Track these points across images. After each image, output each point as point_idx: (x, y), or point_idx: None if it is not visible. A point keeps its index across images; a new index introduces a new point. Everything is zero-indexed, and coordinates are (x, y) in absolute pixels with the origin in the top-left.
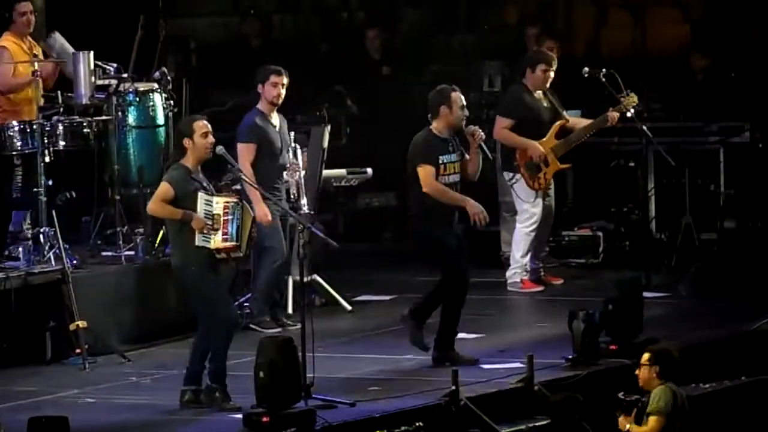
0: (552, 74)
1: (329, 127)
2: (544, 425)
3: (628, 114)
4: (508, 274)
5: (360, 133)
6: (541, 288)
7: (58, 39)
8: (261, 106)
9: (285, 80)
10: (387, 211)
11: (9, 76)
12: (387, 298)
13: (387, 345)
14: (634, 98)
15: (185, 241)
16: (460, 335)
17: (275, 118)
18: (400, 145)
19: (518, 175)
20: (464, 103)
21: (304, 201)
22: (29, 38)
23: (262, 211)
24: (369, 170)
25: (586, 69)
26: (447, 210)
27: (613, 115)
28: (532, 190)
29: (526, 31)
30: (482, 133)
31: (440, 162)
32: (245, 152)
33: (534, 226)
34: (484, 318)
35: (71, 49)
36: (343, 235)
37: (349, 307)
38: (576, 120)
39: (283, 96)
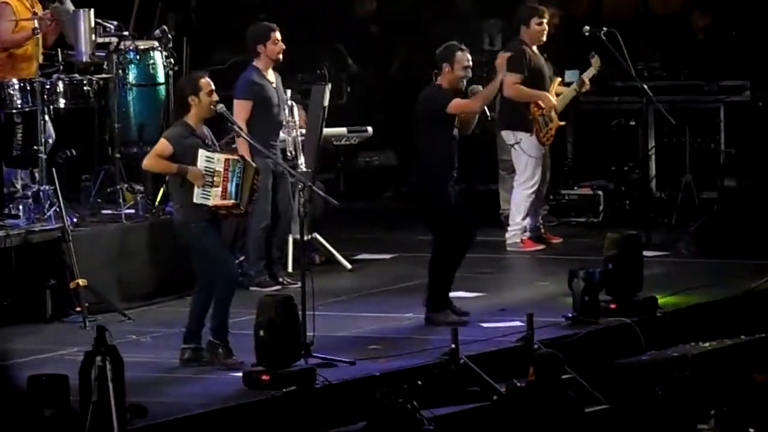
0: (546, 26)
1: (330, 86)
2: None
3: (596, 74)
4: (507, 235)
5: (360, 91)
6: (541, 247)
7: (68, 3)
8: (258, 63)
9: (280, 36)
10: (387, 170)
11: (10, 32)
12: (387, 256)
13: (387, 304)
14: (597, 60)
15: (186, 198)
16: (460, 294)
17: (272, 75)
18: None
19: (522, 134)
20: (469, 63)
21: (301, 159)
22: None
23: None
24: (369, 129)
25: (587, 28)
26: (449, 164)
27: (586, 81)
28: (541, 144)
29: None
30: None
31: None
32: (241, 109)
33: (534, 188)
34: (484, 277)
35: (71, 7)
36: (343, 193)
37: (348, 266)
38: (559, 88)
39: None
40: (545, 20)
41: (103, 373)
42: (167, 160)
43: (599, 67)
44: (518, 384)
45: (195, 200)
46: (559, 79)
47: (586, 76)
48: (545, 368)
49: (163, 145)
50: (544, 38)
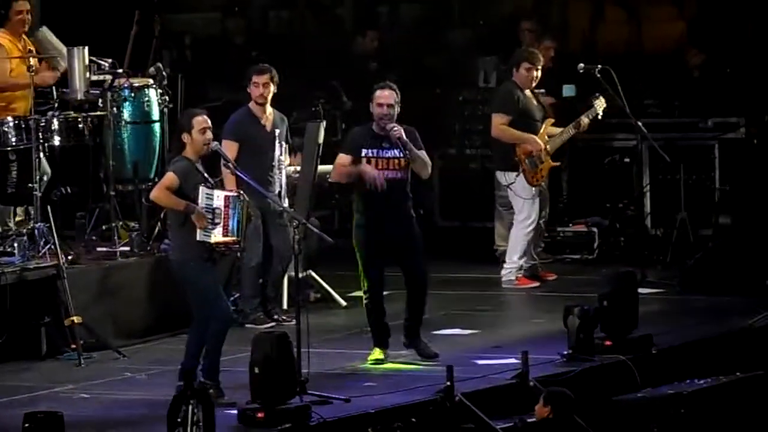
0: (537, 73)
1: (324, 123)
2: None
3: (599, 117)
4: (503, 273)
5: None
6: (536, 284)
7: (46, 33)
8: (251, 103)
9: (266, 78)
10: None
11: (6, 74)
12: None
13: None
14: (602, 102)
15: (186, 236)
16: (456, 330)
17: (267, 116)
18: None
19: (514, 174)
20: (536, 75)
21: (286, 200)
22: (24, 37)
23: None
24: None
25: (582, 65)
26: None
27: (585, 121)
28: (531, 186)
29: (521, 27)
30: (400, 132)
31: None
32: (227, 149)
33: (532, 227)
34: (479, 314)
35: (61, 46)
36: (338, 230)
37: (343, 303)
38: (551, 128)
39: (266, 94)
40: (537, 68)
41: (191, 418)
42: (176, 197)
43: (603, 109)
44: (528, 420)
45: (198, 238)
46: (552, 120)
47: (586, 117)
48: (561, 405)
49: (170, 178)
50: (533, 84)
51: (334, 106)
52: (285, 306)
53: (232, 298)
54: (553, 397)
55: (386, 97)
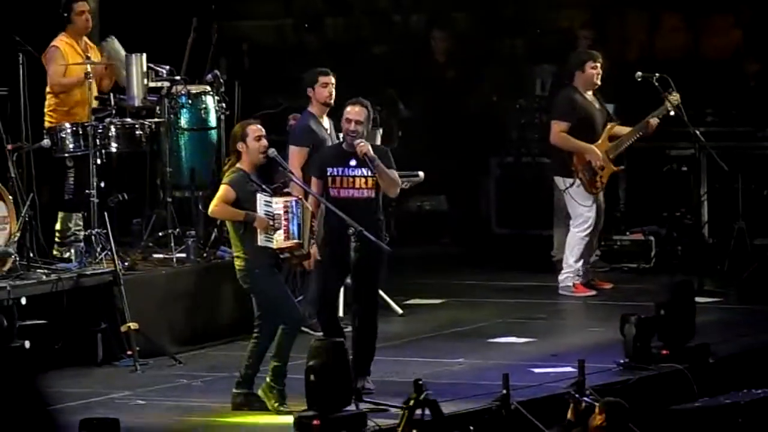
0: (600, 70)
1: (381, 130)
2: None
3: (671, 113)
4: (560, 278)
5: (412, 136)
6: (593, 292)
7: (115, 45)
8: (312, 108)
9: (333, 80)
10: (438, 215)
11: (60, 75)
12: (437, 301)
13: (437, 348)
14: (676, 96)
15: (248, 243)
16: (511, 339)
17: (326, 121)
18: (452, 149)
19: (573, 180)
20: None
21: None
22: (85, 39)
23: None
24: (421, 173)
25: (639, 73)
26: None
27: (653, 121)
28: (590, 194)
29: (578, 35)
30: (366, 147)
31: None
32: (297, 155)
33: (589, 231)
34: (536, 322)
35: (120, 48)
36: (394, 238)
37: (399, 311)
38: (619, 128)
39: (333, 96)
40: (599, 64)
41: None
42: (232, 207)
43: (677, 104)
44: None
45: (259, 243)
46: (614, 124)
47: (655, 117)
48: (616, 414)
49: (226, 191)
50: (599, 81)
51: (390, 113)
52: (341, 314)
53: (296, 299)
54: (608, 406)
55: (356, 113)
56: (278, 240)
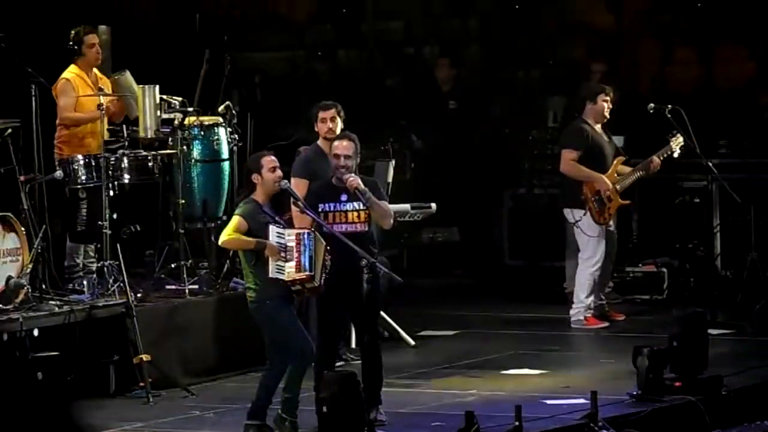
0: (609, 103)
1: (393, 162)
2: None
3: (675, 155)
4: (571, 312)
5: (424, 168)
6: (605, 324)
7: (128, 78)
8: (320, 141)
9: (332, 113)
10: (451, 246)
11: (71, 109)
12: (450, 333)
13: (450, 380)
14: (679, 139)
15: (260, 275)
16: (524, 371)
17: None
18: (464, 180)
19: (581, 212)
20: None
21: None
22: (95, 71)
23: None
24: (433, 205)
25: (652, 105)
26: None
27: (656, 161)
28: (598, 225)
29: (591, 68)
30: (357, 181)
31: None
32: (296, 187)
33: (597, 266)
34: (548, 354)
35: (133, 81)
36: (406, 269)
37: (412, 342)
38: (622, 166)
39: (335, 130)
40: (610, 98)
41: None
42: (245, 237)
43: (681, 147)
44: None
45: (270, 275)
46: (623, 158)
47: (658, 156)
48: None
49: (238, 221)
50: (608, 115)
51: (403, 145)
52: (353, 344)
53: None
54: None
55: (344, 147)
56: (289, 272)
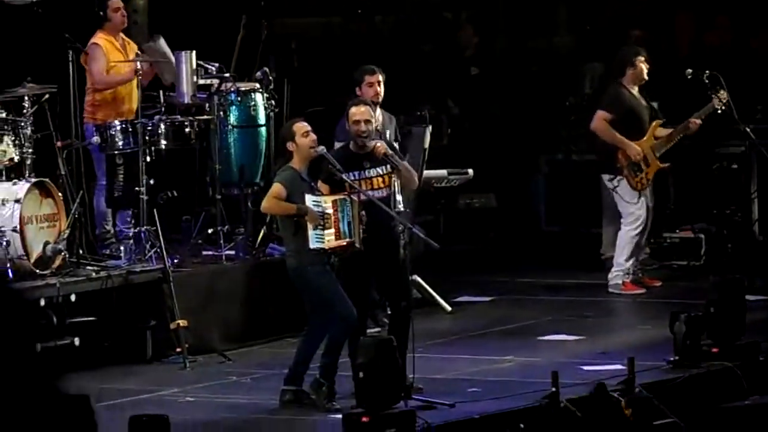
0: (646, 65)
1: (430, 128)
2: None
3: (719, 111)
4: (609, 276)
5: (461, 134)
6: (642, 290)
7: (161, 44)
8: None
9: (380, 77)
10: (487, 212)
11: (103, 72)
12: (486, 299)
13: (486, 346)
14: (724, 94)
15: (301, 243)
16: (561, 336)
17: (376, 117)
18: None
19: (619, 177)
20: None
21: (399, 198)
22: (122, 35)
23: None
24: (470, 171)
25: (689, 70)
26: None
27: (695, 122)
28: (635, 190)
29: (628, 33)
30: (384, 147)
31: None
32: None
33: (640, 228)
34: (585, 320)
35: (171, 56)
36: (443, 235)
37: (448, 308)
38: (661, 129)
39: (381, 93)
40: (647, 59)
41: None
42: (286, 202)
43: (724, 103)
44: None
45: (311, 245)
46: (660, 121)
47: (698, 117)
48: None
49: (278, 188)
50: (646, 76)
51: (439, 110)
52: (389, 310)
53: None
54: (635, 402)
55: (362, 113)
56: (329, 240)
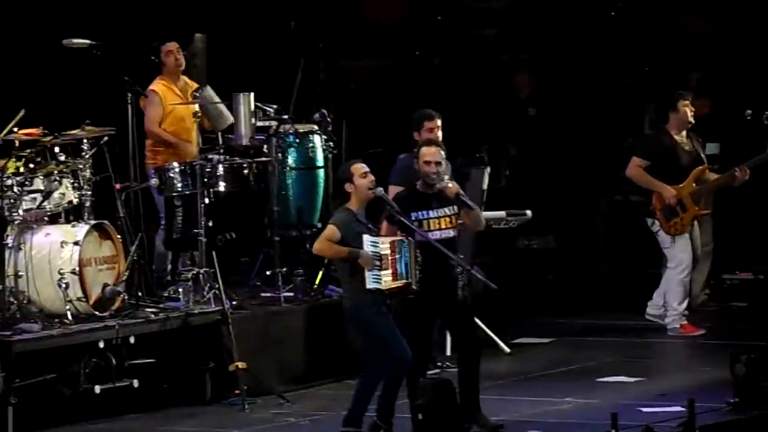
0: (691, 108)
1: (489, 169)
2: None
3: (759, 162)
4: (666, 320)
5: (520, 175)
6: (702, 331)
7: (209, 94)
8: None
9: (438, 122)
10: (546, 254)
11: (155, 123)
12: (545, 340)
13: (545, 388)
14: None
15: (357, 284)
16: (621, 378)
17: None
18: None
19: (656, 222)
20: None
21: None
22: (184, 78)
23: None
24: (528, 212)
25: (749, 111)
26: None
27: (743, 171)
28: (668, 234)
29: (688, 75)
30: (457, 187)
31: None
32: (394, 194)
33: (686, 272)
34: (644, 361)
35: (221, 106)
36: (501, 277)
37: (507, 350)
38: (709, 173)
39: (439, 138)
40: (690, 101)
41: None
42: (338, 245)
43: None
44: None
45: (368, 286)
46: (703, 167)
47: (748, 166)
48: None
49: (331, 230)
50: (692, 120)
51: (498, 152)
52: (449, 352)
53: None
54: None
55: (433, 154)
56: (386, 281)
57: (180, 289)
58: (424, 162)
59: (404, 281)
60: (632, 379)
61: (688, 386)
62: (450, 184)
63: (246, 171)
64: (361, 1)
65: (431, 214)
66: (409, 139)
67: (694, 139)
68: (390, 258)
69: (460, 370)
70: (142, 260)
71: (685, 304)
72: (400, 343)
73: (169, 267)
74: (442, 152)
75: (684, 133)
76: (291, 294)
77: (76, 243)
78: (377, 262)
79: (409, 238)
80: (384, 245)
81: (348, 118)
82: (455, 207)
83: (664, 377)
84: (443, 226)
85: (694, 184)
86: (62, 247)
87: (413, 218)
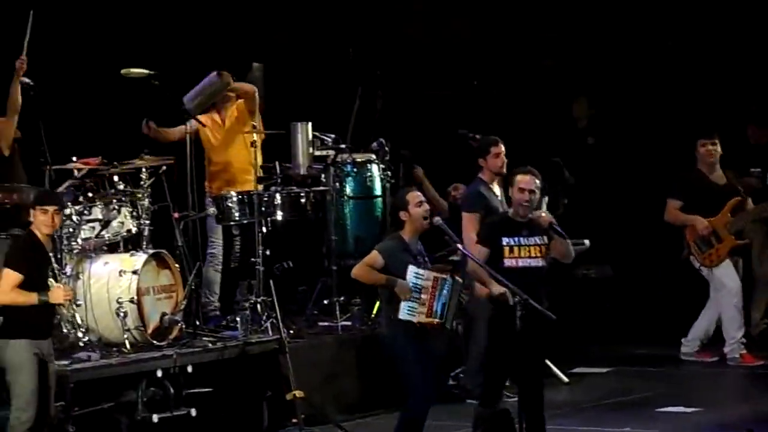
0: (710, 148)
1: (547, 198)
2: None
3: None
4: (725, 350)
5: (578, 203)
6: (761, 362)
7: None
8: (484, 175)
9: (503, 148)
10: (604, 283)
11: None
12: (603, 370)
13: (603, 417)
14: None
15: (392, 312)
16: (679, 408)
17: (497, 188)
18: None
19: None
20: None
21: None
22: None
23: (497, 290)
24: (587, 241)
25: None
26: None
27: None
28: (702, 266)
29: (749, 107)
30: (551, 217)
31: None
32: (470, 221)
33: (737, 299)
34: (702, 391)
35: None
36: (559, 306)
37: (565, 379)
38: (748, 205)
39: (506, 164)
40: (710, 143)
41: None
42: (377, 272)
43: None
44: None
45: (400, 315)
46: (738, 200)
47: None
48: None
49: (374, 256)
50: (713, 160)
51: (556, 181)
52: (507, 382)
53: (453, 373)
54: None
55: (527, 182)
56: (420, 315)
57: (238, 318)
58: (518, 189)
59: (437, 320)
60: (690, 410)
61: (747, 416)
62: (543, 214)
63: (303, 200)
64: (419, 30)
65: (522, 241)
66: (468, 168)
67: (732, 173)
68: (430, 293)
69: (523, 402)
70: (200, 289)
71: (742, 331)
72: (420, 376)
73: (213, 297)
74: (537, 181)
75: (717, 167)
76: (348, 323)
77: (134, 272)
78: (415, 295)
79: (458, 278)
80: (428, 279)
81: (405, 147)
82: (545, 237)
83: (723, 407)
84: (533, 255)
85: (729, 215)
86: (120, 276)
87: (504, 243)
